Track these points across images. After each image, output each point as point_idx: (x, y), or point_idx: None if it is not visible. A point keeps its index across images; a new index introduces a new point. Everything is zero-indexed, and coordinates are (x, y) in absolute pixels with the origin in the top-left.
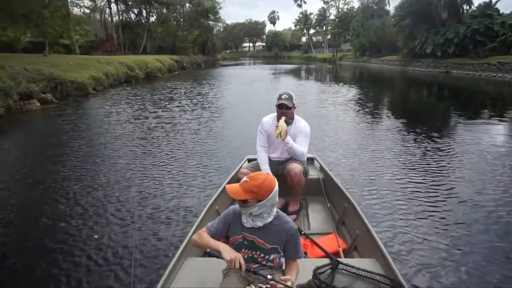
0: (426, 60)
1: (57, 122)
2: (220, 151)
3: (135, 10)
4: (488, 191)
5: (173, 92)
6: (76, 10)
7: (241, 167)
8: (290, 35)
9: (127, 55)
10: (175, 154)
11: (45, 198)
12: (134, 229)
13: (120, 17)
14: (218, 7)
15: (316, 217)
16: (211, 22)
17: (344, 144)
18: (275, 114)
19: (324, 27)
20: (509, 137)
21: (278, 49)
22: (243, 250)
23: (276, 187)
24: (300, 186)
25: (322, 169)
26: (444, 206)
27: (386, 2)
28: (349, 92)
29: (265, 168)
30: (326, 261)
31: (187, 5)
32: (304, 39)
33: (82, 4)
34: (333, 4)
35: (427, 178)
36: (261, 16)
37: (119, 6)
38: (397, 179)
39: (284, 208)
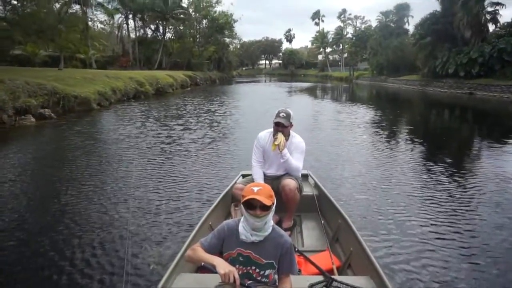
0: (447, 81)
1: (44, 141)
2: (219, 175)
3: (152, 26)
4: None
5: (180, 109)
6: (96, 25)
7: (235, 182)
8: (306, 53)
9: (140, 71)
10: (169, 179)
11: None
12: (126, 246)
13: (137, 33)
14: (233, 22)
15: (310, 234)
16: (226, 39)
17: (362, 173)
18: (271, 129)
19: (341, 45)
20: None
21: (294, 67)
22: (237, 266)
23: None
24: (294, 202)
25: (316, 185)
26: (467, 240)
27: (405, 20)
28: (367, 113)
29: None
30: (320, 278)
31: (204, 21)
32: (320, 57)
33: (100, 20)
34: (350, 23)
35: (452, 212)
36: (277, 33)
37: (136, 22)
38: (418, 212)
39: (278, 225)
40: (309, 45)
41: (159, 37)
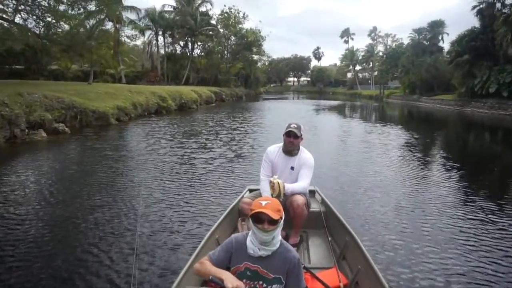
0: (488, 101)
1: (48, 157)
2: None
3: (181, 43)
4: None
5: (201, 125)
6: (128, 41)
7: (242, 197)
8: (335, 70)
9: (166, 86)
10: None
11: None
12: (134, 258)
13: (167, 49)
14: (261, 40)
15: (317, 251)
16: (255, 56)
17: (396, 200)
18: (281, 144)
19: (371, 63)
20: None
21: (322, 85)
22: (244, 280)
23: None
24: (302, 218)
25: (323, 202)
26: None
27: (440, 38)
28: (399, 135)
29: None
30: None
31: (232, 38)
32: (349, 75)
33: (128, 35)
34: (381, 41)
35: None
36: (306, 51)
37: (166, 39)
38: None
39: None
40: (338, 63)
41: (188, 53)
